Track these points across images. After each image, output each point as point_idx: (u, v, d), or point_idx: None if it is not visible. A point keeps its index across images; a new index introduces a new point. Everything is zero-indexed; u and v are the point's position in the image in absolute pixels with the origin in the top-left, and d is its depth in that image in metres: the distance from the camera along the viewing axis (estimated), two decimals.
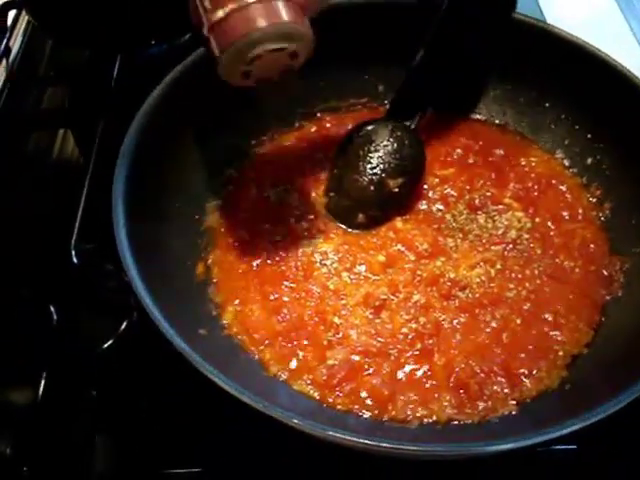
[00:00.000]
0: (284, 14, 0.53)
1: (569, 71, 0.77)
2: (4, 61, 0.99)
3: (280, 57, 0.56)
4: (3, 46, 0.99)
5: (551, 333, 0.67)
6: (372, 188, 0.73)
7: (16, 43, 1.04)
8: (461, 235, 0.73)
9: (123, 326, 0.74)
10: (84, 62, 1.04)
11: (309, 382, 0.64)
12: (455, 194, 0.76)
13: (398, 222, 0.74)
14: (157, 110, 0.70)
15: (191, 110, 0.74)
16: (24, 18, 1.05)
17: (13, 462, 0.65)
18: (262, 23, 0.52)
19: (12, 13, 1.04)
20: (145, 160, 0.68)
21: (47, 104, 1.02)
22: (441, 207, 0.75)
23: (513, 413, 0.63)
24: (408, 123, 0.75)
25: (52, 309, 0.75)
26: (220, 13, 0.53)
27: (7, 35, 1.01)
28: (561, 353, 0.66)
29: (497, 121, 0.82)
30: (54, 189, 0.87)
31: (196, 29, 0.58)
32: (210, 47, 0.55)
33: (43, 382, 0.70)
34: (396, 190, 0.73)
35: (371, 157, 0.73)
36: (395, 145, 0.73)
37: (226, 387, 0.54)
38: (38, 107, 1.01)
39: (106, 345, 0.73)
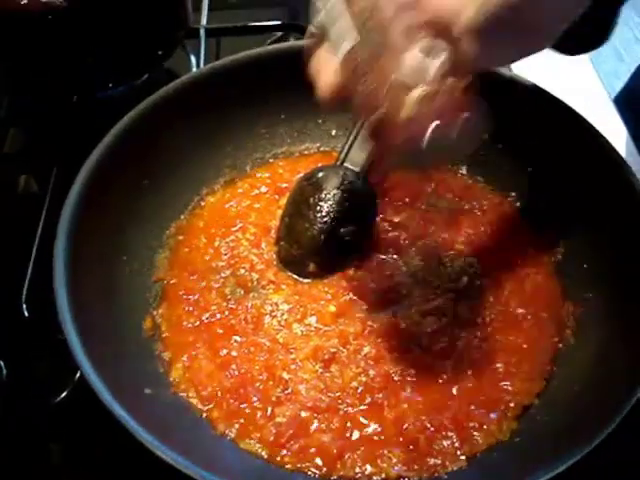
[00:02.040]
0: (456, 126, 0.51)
1: (521, 112, 0.76)
2: None
3: None
4: None
5: (502, 384, 0.66)
6: (323, 237, 0.72)
7: None
8: (413, 281, 0.73)
9: (76, 377, 0.72)
10: (39, 105, 1.03)
11: (257, 440, 0.63)
12: (407, 240, 0.75)
13: (350, 270, 0.73)
14: (104, 161, 0.69)
15: (140, 160, 0.73)
16: None
17: None
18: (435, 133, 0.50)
19: None
20: (90, 213, 0.67)
21: (8, 147, 1.01)
22: (393, 254, 0.74)
23: (463, 468, 0.62)
24: (358, 169, 0.74)
25: (1, 363, 0.74)
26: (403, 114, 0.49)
27: None
28: (512, 404, 0.65)
29: (449, 165, 0.81)
30: (7, 236, 0.86)
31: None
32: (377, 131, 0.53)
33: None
34: (347, 238, 0.72)
35: (321, 205, 0.72)
36: (345, 193, 0.73)
37: (161, 455, 0.53)
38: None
39: (59, 398, 0.72)
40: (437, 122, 0.49)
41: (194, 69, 1.02)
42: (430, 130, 0.50)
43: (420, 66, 0.49)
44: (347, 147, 0.75)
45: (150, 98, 0.74)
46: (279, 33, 1.05)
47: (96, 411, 0.69)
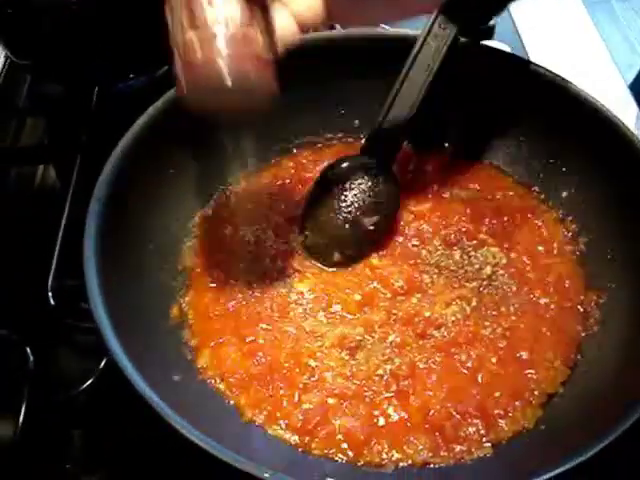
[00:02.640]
0: (252, 73, 0.53)
1: (544, 104, 0.77)
2: None
3: (243, 99, 0.55)
4: None
5: (527, 372, 0.67)
6: (347, 226, 0.73)
7: None
8: (437, 271, 0.73)
9: (102, 365, 0.73)
10: (62, 96, 1.04)
11: (285, 427, 0.64)
12: (430, 230, 0.76)
13: (374, 259, 0.74)
14: (131, 151, 0.69)
15: (166, 150, 0.74)
16: (1, 52, 1.05)
17: None
18: (229, 81, 0.52)
19: None
20: (118, 202, 0.68)
21: (26, 138, 1.02)
22: (417, 243, 0.75)
23: (488, 455, 0.62)
24: (383, 159, 0.75)
25: (28, 351, 0.74)
26: (196, 57, 0.52)
27: None
28: (537, 392, 0.66)
29: (472, 155, 0.81)
30: (32, 227, 0.86)
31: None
32: (178, 82, 0.56)
33: (20, 424, 0.69)
34: (371, 228, 0.73)
35: (346, 195, 0.73)
36: (370, 183, 0.73)
37: (195, 440, 0.54)
38: (17, 141, 1.01)
39: (84, 385, 0.72)
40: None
41: None
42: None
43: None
44: (371, 139, 0.76)
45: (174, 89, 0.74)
46: None
47: (120, 399, 0.70)
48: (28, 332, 0.76)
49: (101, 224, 0.65)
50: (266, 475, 0.52)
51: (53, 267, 0.79)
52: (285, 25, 0.54)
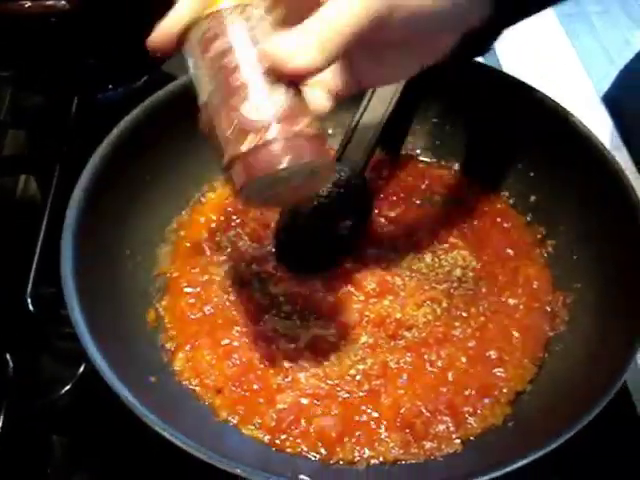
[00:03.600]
0: (308, 153, 0.51)
1: (512, 111, 0.79)
2: None
3: (302, 185, 0.54)
4: None
5: (495, 370, 0.69)
6: (320, 232, 0.74)
7: None
8: (408, 274, 0.75)
9: (81, 370, 0.74)
10: (42, 107, 1.05)
11: (258, 426, 0.65)
12: (402, 234, 0.77)
13: (347, 263, 0.75)
14: (108, 159, 0.71)
15: (142, 157, 0.75)
16: None
17: None
18: (285, 163, 0.50)
19: None
20: (95, 209, 0.69)
21: (8, 149, 1.03)
22: (389, 247, 0.76)
23: (458, 451, 0.64)
24: (356, 166, 0.76)
25: (8, 357, 0.75)
26: (244, 147, 0.50)
27: None
28: (505, 390, 0.67)
29: (443, 162, 0.83)
30: (11, 234, 0.87)
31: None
32: (231, 178, 0.53)
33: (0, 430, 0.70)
34: (344, 233, 0.74)
35: (319, 201, 0.74)
36: (343, 189, 0.75)
37: (170, 437, 0.55)
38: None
39: (64, 390, 0.73)
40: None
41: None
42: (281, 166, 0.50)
43: (262, 104, 0.50)
44: (344, 144, 0.78)
45: (153, 97, 0.76)
46: None
47: (99, 404, 0.72)
48: (7, 339, 0.77)
49: (77, 231, 0.66)
50: (237, 470, 0.54)
51: (32, 274, 0.80)
52: (318, 99, 0.54)
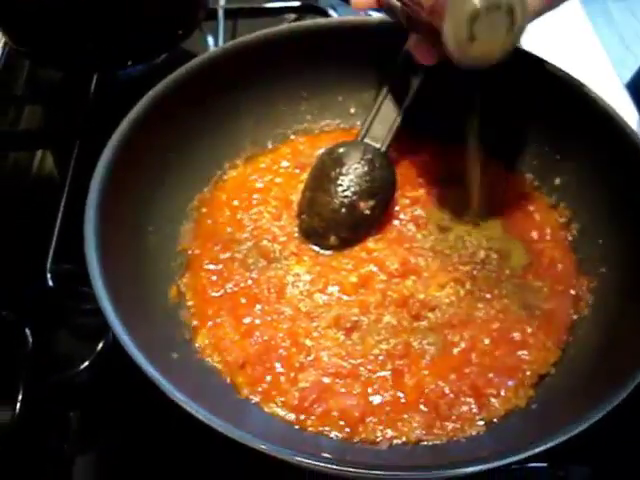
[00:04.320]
0: None
1: (537, 91, 0.78)
2: None
3: (498, 18, 0.59)
4: None
5: (519, 353, 0.68)
6: (344, 210, 0.74)
7: None
8: (431, 255, 0.74)
9: (99, 347, 0.74)
10: (60, 82, 1.04)
11: (281, 404, 0.65)
12: (425, 215, 0.77)
13: (370, 242, 0.75)
14: (131, 134, 0.70)
15: (165, 134, 0.75)
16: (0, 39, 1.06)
17: None
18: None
19: None
20: (117, 185, 0.69)
21: (25, 124, 1.02)
22: (412, 227, 0.76)
23: (481, 433, 0.64)
24: (379, 145, 0.76)
25: (28, 332, 0.75)
26: None
27: None
28: (529, 372, 0.67)
29: (465, 142, 0.82)
30: (30, 210, 0.87)
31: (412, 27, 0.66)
32: (434, 25, 0.59)
33: (19, 405, 0.70)
34: (367, 212, 0.74)
35: (342, 179, 0.74)
36: (366, 167, 0.74)
37: (195, 413, 0.55)
38: (16, 127, 1.01)
39: (82, 366, 0.73)
40: None
41: (211, 49, 1.04)
42: None
43: None
44: (368, 123, 0.77)
45: (174, 74, 0.76)
46: (294, 15, 1.07)
47: (118, 380, 0.72)
48: (27, 314, 0.77)
49: (101, 206, 0.66)
50: (263, 447, 0.53)
51: (52, 250, 0.80)
52: None
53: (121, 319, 0.60)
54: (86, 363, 0.74)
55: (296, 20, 1.06)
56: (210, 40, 1.05)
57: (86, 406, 0.74)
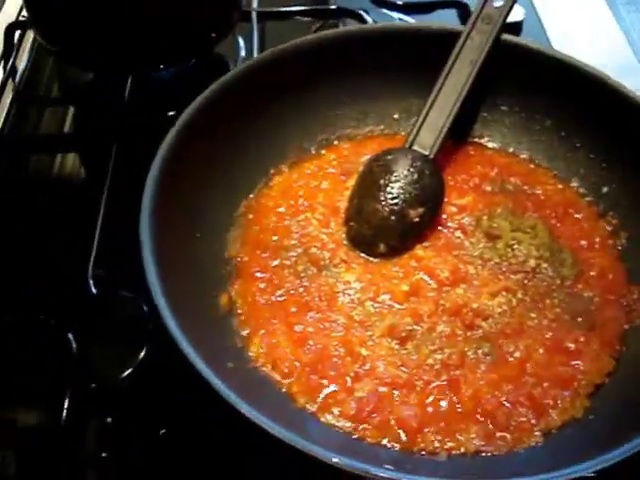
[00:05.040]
0: None
1: (584, 100, 0.78)
2: (10, 81, 0.99)
3: None
4: (9, 66, 0.99)
5: (573, 362, 0.68)
6: (393, 218, 0.73)
7: (22, 63, 1.03)
8: (481, 263, 0.74)
9: (142, 354, 0.73)
10: (89, 83, 1.03)
11: (338, 414, 0.64)
12: (473, 222, 0.76)
13: (419, 250, 0.74)
14: (181, 141, 0.70)
15: (211, 140, 0.74)
16: (29, 38, 1.05)
17: None
18: None
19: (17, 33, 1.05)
20: (168, 192, 0.68)
21: (54, 126, 1.01)
22: (460, 235, 0.76)
23: (539, 444, 0.63)
24: (427, 152, 0.75)
25: (70, 337, 0.75)
26: None
27: (13, 55, 1.01)
28: (584, 382, 0.67)
29: (512, 149, 0.82)
30: (75, 213, 0.86)
31: None
32: None
33: (65, 411, 0.69)
34: (417, 220, 0.73)
35: (391, 187, 0.74)
36: (415, 175, 0.74)
37: (263, 424, 0.54)
38: (44, 129, 1.01)
39: (125, 373, 0.72)
40: None
41: (242, 53, 1.03)
42: None
43: None
44: (415, 130, 0.77)
45: (220, 80, 0.76)
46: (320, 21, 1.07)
47: (159, 388, 0.71)
48: (69, 319, 0.76)
49: (154, 214, 0.66)
50: (335, 460, 0.53)
51: (93, 255, 0.79)
52: None
53: (180, 328, 0.59)
54: (128, 370, 0.73)
55: (322, 27, 1.06)
56: (241, 42, 1.05)
57: (127, 414, 0.73)
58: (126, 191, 0.82)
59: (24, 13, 1.07)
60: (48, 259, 0.81)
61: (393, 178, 0.74)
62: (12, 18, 1.06)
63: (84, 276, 0.78)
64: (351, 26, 0.99)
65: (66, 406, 0.70)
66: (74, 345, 0.74)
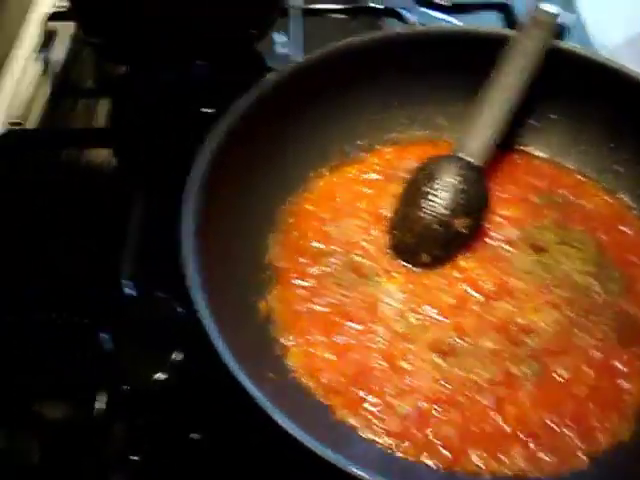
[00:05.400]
0: None
1: (634, 111, 0.75)
2: (45, 72, 0.98)
3: None
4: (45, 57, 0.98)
5: (620, 382, 0.66)
6: (437, 227, 0.71)
7: (58, 54, 1.02)
8: (526, 276, 0.72)
9: (175, 357, 0.72)
10: (124, 77, 1.02)
11: (378, 429, 0.63)
12: (519, 234, 0.74)
13: (462, 261, 0.73)
14: (221, 147, 0.69)
15: (254, 142, 0.73)
16: (68, 30, 1.04)
17: None
18: None
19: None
20: (209, 195, 0.67)
21: (84, 118, 1.00)
22: (505, 247, 0.74)
23: (585, 468, 0.61)
24: (474, 160, 0.73)
25: (103, 337, 0.74)
26: None
27: (51, 46, 1.00)
28: (631, 404, 0.65)
29: (559, 160, 0.80)
30: (107, 211, 0.85)
31: None
32: None
33: (98, 409, 0.69)
34: (462, 230, 0.71)
35: (437, 195, 0.72)
36: (461, 184, 0.72)
37: (299, 437, 0.53)
38: (77, 122, 0.99)
39: (158, 376, 0.71)
40: None
41: (280, 50, 1.01)
42: None
43: None
44: (463, 137, 0.75)
45: (262, 83, 0.74)
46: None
47: (192, 392, 0.70)
48: (103, 319, 0.75)
49: (195, 219, 0.64)
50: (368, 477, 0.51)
51: (126, 255, 0.78)
52: None
53: (219, 333, 0.57)
54: (160, 374, 0.72)
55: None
56: (277, 38, 1.03)
57: (156, 417, 0.72)
58: (161, 188, 0.82)
59: (59, 3, 1.06)
60: (81, 258, 0.80)
61: (438, 186, 0.72)
62: (47, 8, 1.04)
63: (118, 276, 0.76)
64: (398, 28, 0.97)
65: (97, 406, 0.69)
66: (107, 345, 0.73)
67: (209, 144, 0.68)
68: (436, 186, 0.72)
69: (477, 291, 0.70)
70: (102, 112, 1.00)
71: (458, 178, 0.72)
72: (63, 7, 1.03)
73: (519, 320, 0.68)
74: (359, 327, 0.68)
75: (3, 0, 1.00)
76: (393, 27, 1.02)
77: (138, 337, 0.76)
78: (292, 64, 0.75)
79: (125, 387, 0.72)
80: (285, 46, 1.02)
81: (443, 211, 0.72)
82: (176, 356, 0.73)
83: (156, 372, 0.72)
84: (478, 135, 0.74)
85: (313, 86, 0.76)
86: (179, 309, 0.75)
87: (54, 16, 1.03)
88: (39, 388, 0.73)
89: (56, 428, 0.71)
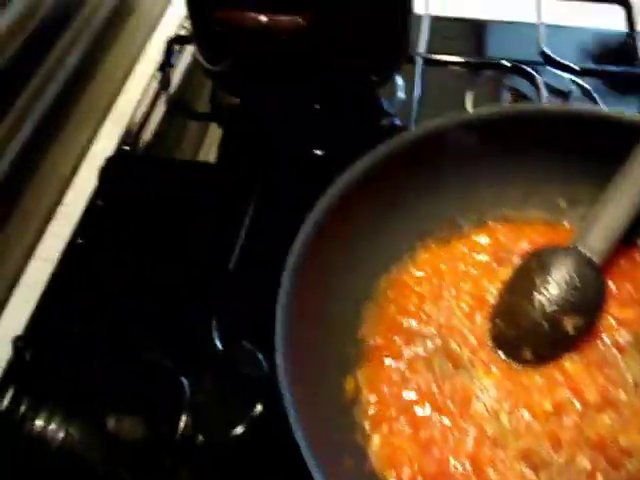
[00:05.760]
0: None
1: None
2: (162, 95, 0.98)
3: None
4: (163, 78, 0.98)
5: None
6: (545, 324, 0.67)
7: (175, 77, 1.03)
8: (634, 388, 0.66)
9: (258, 411, 0.70)
10: (237, 107, 1.01)
11: None
12: (631, 340, 0.69)
13: (566, 362, 0.67)
14: (330, 212, 0.66)
15: (361, 207, 0.70)
16: (186, 53, 1.04)
17: None
18: None
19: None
20: (310, 263, 0.65)
21: (193, 144, 1.00)
22: (615, 352, 0.68)
23: None
24: (594, 257, 0.68)
25: (185, 382, 0.72)
26: None
27: (168, 69, 1.00)
28: None
29: None
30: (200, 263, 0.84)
31: None
32: None
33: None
34: (572, 331, 0.66)
35: (549, 289, 0.67)
36: (577, 280, 0.67)
37: None
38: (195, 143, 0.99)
39: (237, 430, 0.69)
40: None
41: (400, 94, 0.98)
42: None
43: None
44: (584, 229, 0.70)
45: (378, 151, 0.71)
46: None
47: (269, 449, 0.67)
48: (185, 364, 0.74)
49: (291, 290, 0.62)
50: None
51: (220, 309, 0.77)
52: None
53: (297, 411, 0.55)
54: (240, 427, 0.70)
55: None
56: (399, 82, 1.00)
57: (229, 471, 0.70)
58: (262, 237, 0.80)
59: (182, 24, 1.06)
60: (171, 303, 0.79)
61: (552, 279, 0.68)
62: (171, 30, 1.05)
63: (208, 328, 0.75)
64: (529, 104, 0.92)
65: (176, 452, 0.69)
66: (187, 391, 0.72)
67: (316, 209, 0.66)
68: (549, 279, 0.68)
69: (578, 399, 0.65)
70: (213, 137, 1.00)
71: (574, 274, 0.67)
72: (186, 29, 1.03)
73: (620, 440, 0.63)
74: (448, 422, 0.64)
75: (130, 19, 1.01)
76: (519, 84, 0.98)
77: (220, 387, 0.75)
78: (425, 126, 0.72)
79: (200, 438, 0.70)
80: (402, 90, 0.99)
81: (554, 307, 0.67)
82: (255, 411, 0.71)
83: (235, 425, 0.70)
84: (602, 230, 0.69)
85: (438, 151, 0.72)
86: (264, 363, 0.74)
87: (176, 40, 1.03)
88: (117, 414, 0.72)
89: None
